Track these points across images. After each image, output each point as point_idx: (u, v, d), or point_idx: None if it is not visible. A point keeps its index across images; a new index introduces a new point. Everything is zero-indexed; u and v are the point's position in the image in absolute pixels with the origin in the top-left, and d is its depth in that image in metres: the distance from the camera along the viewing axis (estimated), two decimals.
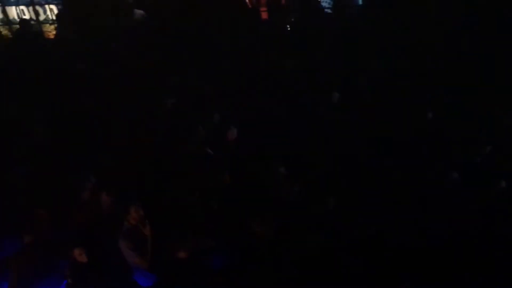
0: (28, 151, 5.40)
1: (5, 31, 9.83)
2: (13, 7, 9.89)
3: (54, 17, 9.71)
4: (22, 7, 9.85)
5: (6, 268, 4.47)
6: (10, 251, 4.58)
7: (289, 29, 8.04)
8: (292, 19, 8.49)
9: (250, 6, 9.34)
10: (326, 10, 8.56)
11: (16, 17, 9.88)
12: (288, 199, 4.83)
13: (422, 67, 7.07)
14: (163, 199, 4.74)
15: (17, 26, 9.43)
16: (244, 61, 7.12)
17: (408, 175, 5.44)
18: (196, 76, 6.83)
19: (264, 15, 9.31)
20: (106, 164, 5.15)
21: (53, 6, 9.78)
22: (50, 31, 9.81)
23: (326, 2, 8.51)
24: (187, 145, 5.43)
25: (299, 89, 6.48)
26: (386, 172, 5.34)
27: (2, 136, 5.64)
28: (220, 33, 7.66)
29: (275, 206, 4.59)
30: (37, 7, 9.82)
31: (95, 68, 7.02)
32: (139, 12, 8.85)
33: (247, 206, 4.64)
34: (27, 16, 9.81)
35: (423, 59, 7.15)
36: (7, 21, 9.96)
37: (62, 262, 4.42)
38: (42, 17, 9.91)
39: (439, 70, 7.07)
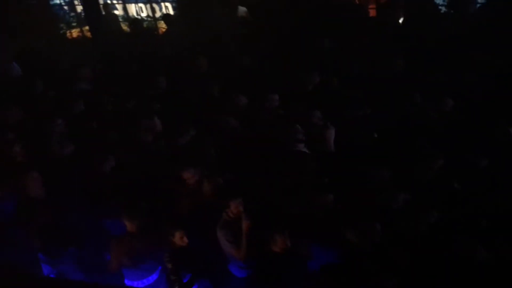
0: (139, 142, 5.71)
1: (124, 27, 10.62)
2: (133, 4, 10.65)
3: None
4: (140, 4, 10.57)
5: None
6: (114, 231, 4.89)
7: (399, 27, 7.62)
8: (403, 17, 8.08)
9: (357, 2, 9.11)
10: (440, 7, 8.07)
11: (135, 14, 10.63)
12: (391, 208, 4.53)
13: None
14: (263, 196, 4.73)
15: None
16: (349, 59, 6.91)
17: None
18: (299, 73, 6.76)
19: (372, 13, 9.04)
20: (212, 156, 5.29)
21: (168, 4, 10.34)
22: (165, 27, 10.39)
23: None
24: (286, 143, 5.39)
25: (408, 92, 6.09)
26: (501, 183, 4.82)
27: (119, 126, 6.03)
28: (324, 30, 7.53)
29: (376, 215, 4.34)
30: (154, 5, 10.47)
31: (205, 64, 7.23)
32: (242, 9, 9.07)
33: (344, 212, 4.45)
34: (144, 13, 10.51)
35: None
36: (126, 17, 10.75)
37: (159, 249, 4.57)
38: (158, 14, 10.55)
39: None
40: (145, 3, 10.52)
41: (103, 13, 10.05)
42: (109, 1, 10.62)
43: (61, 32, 11.11)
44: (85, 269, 4.79)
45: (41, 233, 4.69)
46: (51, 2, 10.95)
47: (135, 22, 9.55)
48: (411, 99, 5.99)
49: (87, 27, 10.24)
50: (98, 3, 9.21)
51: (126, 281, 4.73)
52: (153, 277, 4.74)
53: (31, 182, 4.91)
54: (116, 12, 10.77)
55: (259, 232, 4.33)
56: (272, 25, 8.22)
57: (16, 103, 6.41)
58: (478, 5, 7.54)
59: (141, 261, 4.57)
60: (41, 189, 4.94)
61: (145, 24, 10.28)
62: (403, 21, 7.66)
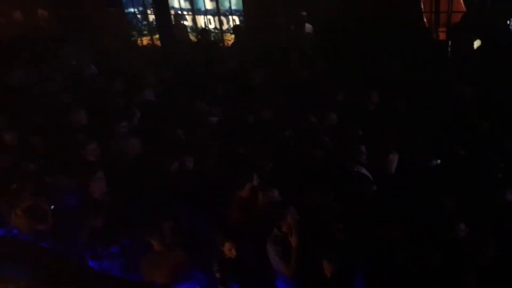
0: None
1: (192, 37, 10.97)
2: (202, 16, 10.98)
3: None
4: (209, 16, 10.88)
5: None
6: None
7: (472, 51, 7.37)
8: (474, 42, 7.81)
9: (427, 25, 8.93)
10: None
11: (203, 25, 10.96)
12: (451, 238, 4.33)
13: None
14: (317, 215, 4.68)
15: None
16: (416, 82, 6.74)
17: None
18: (360, 92, 6.68)
19: (442, 36, 8.81)
20: (269, 169, 5.31)
21: (235, 17, 10.58)
22: (230, 40, 10.64)
23: None
24: (347, 164, 5.30)
25: (477, 120, 5.84)
26: None
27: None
28: (393, 51, 7.41)
29: (435, 244, 4.16)
30: (222, 17, 10.74)
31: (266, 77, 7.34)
32: (308, 26, 9.15)
33: (401, 240, 4.31)
34: (212, 25, 10.81)
35: None
36: (195, 28, 11.10)
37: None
38: (225, 26, 10.82)
39: None
40: (213, 15, 10.82)
41: (173, 23, 10.43)
42: (179, 12, 11.02)
43: (133, 39, 11.65)
44: (131, 268, 4.85)
45: (94, 231, 4.83)
46: (126, 11, 11.51)
47: (203, 32, 9.83)
48: (480, 128, 5.73)
49: (157, 36, 10.67)
50: (169, 13, 9.58)
51: None
52: None
53: (95, 182, 5.10)
54: (185, 23, 11.15)
55: (310, 252, 4.28)
56: (337, 43, 8.21)
57: (88, 102, 6.72)
58: None
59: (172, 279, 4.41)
60: (104, 189, 5.13)
61: (212, 36, 10.57)
62: (479, 46, 7.39)
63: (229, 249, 4.35)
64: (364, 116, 6.23)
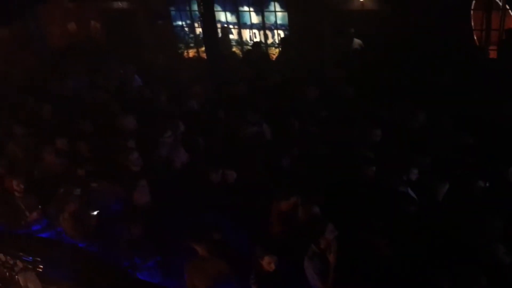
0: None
1: (237, 50, 11.13)
2: (247, 30, 11.15)
3: (279, 41, 10.64)
4: (254, 30, 11.03)
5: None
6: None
7: None
8: None
9: (477, 44, 8.71)
10: None
11: (248, 39, 11.11)
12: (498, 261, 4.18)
13: None
14: (357, 233, 4.61)
15: (248, 47, 10.63)
16: (465, 102, 6.55)
17: None
18: (406, 111, 6.55)
19: (493, 54, 8.56)
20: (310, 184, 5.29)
21: (281, 31, 10.66)
22: (275, 53, 10.73)
23: None
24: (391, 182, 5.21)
25: None
26: None
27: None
28: (442, 69, 7.26)
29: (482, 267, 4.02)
30: (267, 31, 10.86)
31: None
32: (358, 41, 9.09)
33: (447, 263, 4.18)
34: (257, 39, 10.94)
35: None
36: (240, 41, 11.26)
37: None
38: (270, 40, 10.92)
39: None
40: (259, 29, 10.95)
41: (220, 36, 10.63)
42: (225, 26, 11.23)
43: (180, 51, 11.95)
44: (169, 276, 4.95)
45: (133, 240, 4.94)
46: (174, 24, 11.84)
47: (254, 45, 9.98)
48: None
49: (203, 48, 10.90)
50: (216, 27, 9.77)
51: None
52: None
53: (139, 190, 5.24)
54: (231, 36, 11.34)
55: (347, 270, 4.21)
56: (387, 60, 8.13)
57: (134, 112, 6.93)
58: None
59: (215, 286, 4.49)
60: (147, 197, 5.26)
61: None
62: None
63: (268, 263, 4.31)
64: (410, 135, 6.09)
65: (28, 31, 10.43)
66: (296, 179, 5.28)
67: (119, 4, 11.49)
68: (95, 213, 5.27)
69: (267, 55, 10.54)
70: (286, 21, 10.47)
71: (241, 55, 10.74)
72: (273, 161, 5.79)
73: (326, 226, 4.37)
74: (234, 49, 11.23)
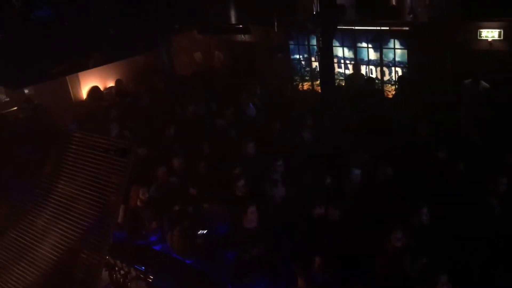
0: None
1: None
2: (364, 66, 11.07)
3: (396, 79, 10.41)
4: (371, 66, 10.92)
5: None
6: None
7: None
8: None
9: None
10: None
11: (364, 73, 11.03)
12: None
13: None
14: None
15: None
16: None
17: None
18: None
19: None
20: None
21: (398, 69, 10.43)
22: (390, 90, 10.50)
23: None
24: None
25: None
26: None
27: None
28: None
29: None
30: (385, 68, 10.69)
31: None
32: (484, 84, 8.61)
33: None
34: (373, 75, 10.81)
35: None
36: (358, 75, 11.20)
37: None
38: (386, 77, 10.72)
39: None
40: (375, 66, 10.81)
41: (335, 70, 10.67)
42: (342, 61, 11.27)
43: (295, 83, 12.23)
44: None
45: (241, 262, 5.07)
46: (292, 57, 12.18)
47: (369, 79, 9.86)
48: None
49: (317, 82, 11.02)
50: (333, 62, 9.83)
51: None
52: None
53: (248, 215, 5.38)
54: (347, 71, 11.34)
55: None
56: None
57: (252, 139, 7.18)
58: None
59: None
60: (256, 223, 5.39)
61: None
62: None
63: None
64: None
65: (159, 58, 11.40)
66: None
67: (242, 37, 12.12)
68: (204, 232, 5.51)
69: (381, 92, 10.37)
70: (405, 58, 10.23)
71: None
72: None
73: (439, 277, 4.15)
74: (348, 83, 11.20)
